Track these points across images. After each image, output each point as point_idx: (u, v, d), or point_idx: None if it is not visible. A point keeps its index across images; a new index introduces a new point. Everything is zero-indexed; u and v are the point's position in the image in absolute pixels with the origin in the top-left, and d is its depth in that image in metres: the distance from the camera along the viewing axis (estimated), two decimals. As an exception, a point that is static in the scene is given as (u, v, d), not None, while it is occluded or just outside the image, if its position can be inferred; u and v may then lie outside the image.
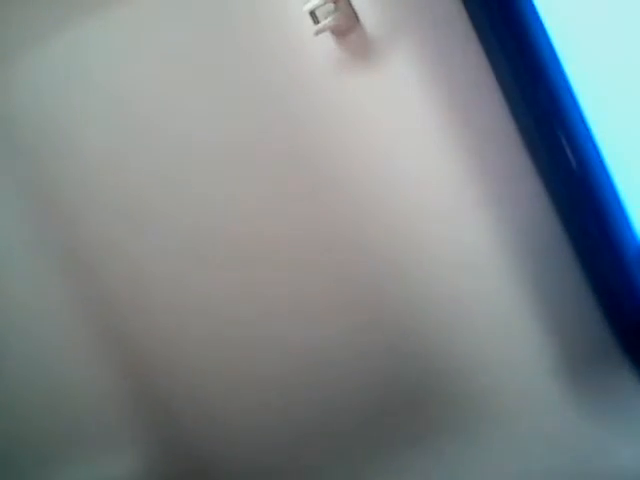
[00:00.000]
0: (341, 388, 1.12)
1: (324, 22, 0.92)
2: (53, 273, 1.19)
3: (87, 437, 1.23)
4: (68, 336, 1.20)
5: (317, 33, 0.94)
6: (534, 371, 0.99)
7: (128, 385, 1.21)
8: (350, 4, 0.93)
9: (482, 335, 1.02)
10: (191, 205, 1.11)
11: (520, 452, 0.99)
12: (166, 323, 1.17)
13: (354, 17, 0.94)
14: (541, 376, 0.99)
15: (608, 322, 0.96)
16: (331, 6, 0.92)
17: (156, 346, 1.18)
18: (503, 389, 1.02)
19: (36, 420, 1.23)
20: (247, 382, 1.16)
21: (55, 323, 1.20)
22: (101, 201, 1.15)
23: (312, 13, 0.93)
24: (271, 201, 1.08)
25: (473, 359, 1.04)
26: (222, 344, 1.16)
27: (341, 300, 1.09)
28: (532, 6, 0.89)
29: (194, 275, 1.14)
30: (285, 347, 1.13)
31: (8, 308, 1.22)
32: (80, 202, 1.16)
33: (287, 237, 1.09)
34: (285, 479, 1.15)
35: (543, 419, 0.99)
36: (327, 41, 0.96)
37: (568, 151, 0.92)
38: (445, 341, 1.05)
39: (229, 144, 1.08)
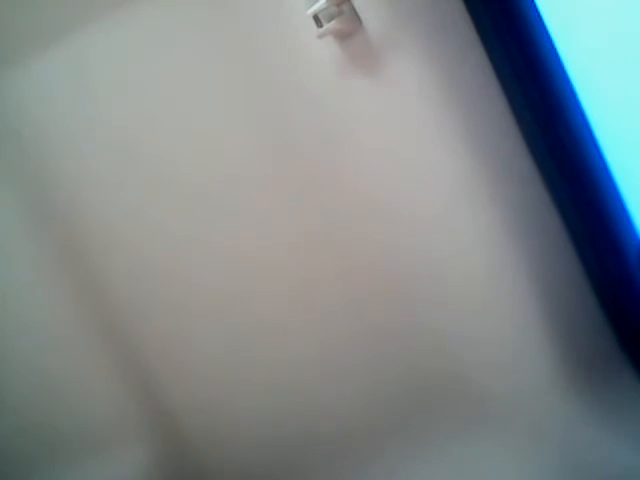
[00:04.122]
0: (342, 389, 1.13)
1: (327, 25, 0.92)
2: (56, 273, 1.20)
3: (92, 436, 1.24)
4: (74, 336, 1.20)
5: (320, 36, 0.94)
6: (536, 372, 1.00)
7: (133, 385, 1.22)
8: (353, 8, 0.93)
9: (484, 336, 1.03)
10: (192, 204, 1.12)
11: (521, 452, 1.00)
12: (170, 324, 1.18)
13: (357, 20, 0.94)
14: (543, 377, 0.99)
15: (610, 323, 0.96)
16: (334, 9, 0.92)
17: (161, 347, 1.19)
18: (504, 390, 1.03)
19: (43, 420, 1.24)
20: (249, 383, 1.16)
21: (61, 323, 1.20)
22: (103, 202, 1.15)
23: (315, 16, 0.93)
24: (271, 203, 1.09)
25: (475, 360, 1.05)
26: (224, 345, 1.16)
27: (343, 301, 1.10)
28: (535, 9, 0.89)
29: (198, 276, 1.14)
30: (286, 348, 1.14)
31: (13, 308, 1.22)
32: (82, 204, 1.16)
33: (287, 239, 1.10)
34: None
35: (544, 420, 0.99)
36: (330, 44, 0.96)
37: (570, 151, 0.93)
38: (447, 342, 1.06)
39: (230, 145, 1.08)
